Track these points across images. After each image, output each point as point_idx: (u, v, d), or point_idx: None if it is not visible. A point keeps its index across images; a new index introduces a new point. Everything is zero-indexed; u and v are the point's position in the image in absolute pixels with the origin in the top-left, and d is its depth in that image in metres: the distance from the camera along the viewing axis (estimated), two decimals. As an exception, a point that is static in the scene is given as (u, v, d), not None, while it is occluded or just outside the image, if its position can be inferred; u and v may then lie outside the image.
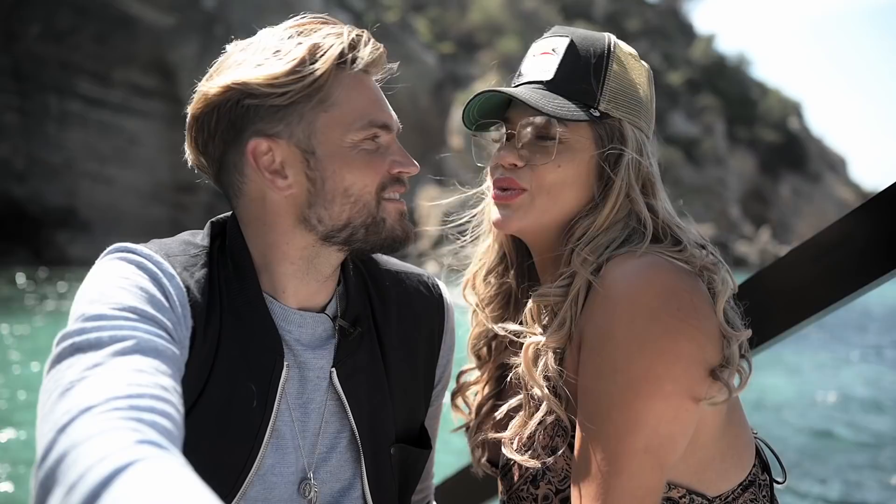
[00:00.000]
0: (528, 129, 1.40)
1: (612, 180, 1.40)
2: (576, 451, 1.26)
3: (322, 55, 1.27)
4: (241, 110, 1.28)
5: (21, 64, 36.93)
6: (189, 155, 1.37)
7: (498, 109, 1.46)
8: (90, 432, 0.84)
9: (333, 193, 1.30)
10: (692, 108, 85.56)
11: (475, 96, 1.42)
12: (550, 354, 1.33)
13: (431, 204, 1.76)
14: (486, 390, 1.59)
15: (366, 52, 1.33)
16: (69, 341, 1.03)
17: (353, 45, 1.31)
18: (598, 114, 1.38)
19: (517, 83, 1.44)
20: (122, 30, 39.28)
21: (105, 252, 1.27)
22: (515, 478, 1.40)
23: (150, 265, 1.23)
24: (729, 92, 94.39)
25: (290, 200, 1.32)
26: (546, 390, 1.31)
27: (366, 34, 1.35)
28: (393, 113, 1.39)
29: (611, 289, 1.25)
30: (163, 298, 1.19)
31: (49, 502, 0.79)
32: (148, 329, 1.09)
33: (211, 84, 1.29)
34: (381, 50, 1.36)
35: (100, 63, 39.00)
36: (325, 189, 1.30)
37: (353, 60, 1.31)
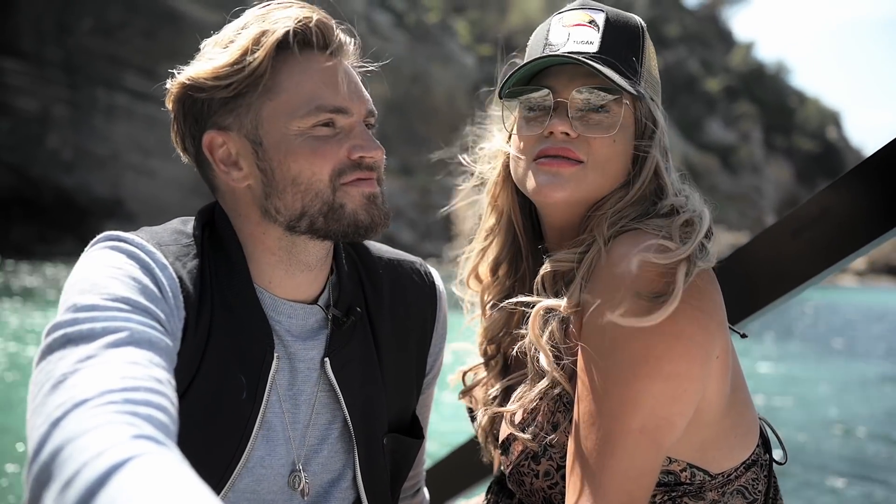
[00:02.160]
0: (582, 100, 1.36)
1: (646, 158, 1.39)
2: (572, 428, 1.25)
3: (263, 42, 1.24)
4: (198, 105, 1.28)
5: (72, 57, 37.77)
6: (180, 152, 1.37)
7: (527, 79, 1.41)
8: (86, 426, 0.82)
9: (283, 183, 1.28)
10: (729, 116, 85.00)
11: (537, 59, 1.36)
12: (556, 323, 1.30)
13: (463, 203, 1.67)
14: (495, 385, 1.52)
15: (317, 35, 1.29)
16: (60, 332, 1.00)
17: (303, 29, 1.27)
18: (642, 91, 1.37)
19: (551, 53, 1.37)
20: (170, 25, 40.03)
21: (94, 240, 1.24)
22: (516, 454, 1.37)
23: (141, 255, 1.20)
24: (767, 100, 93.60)
25: (250, 192, 1.30)
26: (551, 358, 1.29)
27: (318, 14, 1.30)
28: (359, 95, 1.33)
29: (615, 265, 1.23)
30: (155, 289, 1.16)
31: (45, 497, 0.78)
32: (141, 320, 1.06)
33: (173, 81, 1.29)
34: (334, 31, 1.31)
35: (147, 57, 39.75)
36: (276, 179, 1.28)
37: (301, 44, 1.28)
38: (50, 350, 0.98)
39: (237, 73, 1.24)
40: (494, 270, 1.57)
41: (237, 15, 1.34)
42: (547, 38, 1.41)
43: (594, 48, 1.35)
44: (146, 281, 1.16)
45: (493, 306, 1.54)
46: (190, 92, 1.27)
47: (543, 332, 1.30)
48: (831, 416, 11.19)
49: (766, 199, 78.76)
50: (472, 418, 1.61)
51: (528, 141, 1.41)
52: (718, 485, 1.28)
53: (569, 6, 1.44)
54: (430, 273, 1.60)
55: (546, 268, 1.38)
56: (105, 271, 1.14)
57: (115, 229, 1.30)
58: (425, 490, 1.73)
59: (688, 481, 1.26)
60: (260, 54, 1.23)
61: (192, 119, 1.30)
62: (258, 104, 1.26)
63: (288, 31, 1.25)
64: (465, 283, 1.60)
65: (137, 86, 39.69)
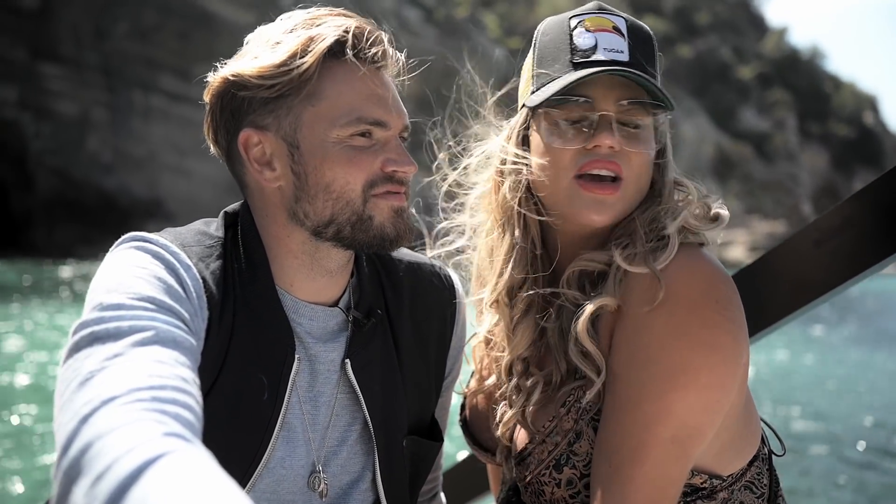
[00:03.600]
0: (626, 113, 1.34)
1: (666, 167, 1.41)
2: (599, 436, 1.25)
3: (313, 48, 1.25)
4: (238, 102, 1.28)
5: (109, 61, 38.45)
6: (209, 144, 1.38)
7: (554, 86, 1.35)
8: (115, 423, 0.83)
9: (316, 189, 1.28)
10: (763, 103, 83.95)
11: (598, 70, 1.31)
12: (588, 323, 1.29)
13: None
14: (517, 398, 1.45)
15: (365, 46, 1.29)
16: (87, 330, 1.01)
17: (353, 39, 1.28)
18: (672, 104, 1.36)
19: (583, 59, 1.34)
20: (203, 27, 40.58)
21: (119, 241, 1.25)
22: (535, 464, 1.36)
23: (166, 255, 1.21)
24: (801, 86, 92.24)
25: (280, 193, 1.31)
26: (597, 352, 1.28)
27: (370, 27, 1.32)
28: (398, 109, 1.34)
29: (663, 282, 1.23)
30: (180, 289, 1.17)
31: (74, 492, 0.78)
32: (166, 319, 1.07)
33: (215, 75, 1.30)
34: (383, 44, 1.32)
35: (182, 59, 40.33)
36: (308, 184, 1.28)
37: (351, 53, 1.28)
38: (77, 348, 0.99)
39: (283, 76, 1.25)
40: (513, 291, 1.49)
41: (269, 15, 1.36)
42: (572, 43, 1.36)
43: (625, 57, 1.33)
44: (171, 281, 1.17)
45: (518, 323, 1.46)
46: (232, 87, 1.28)
47: (589, 330, 1.29)
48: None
49: (801, 186, 77.68)
50: (470, 438, 1.59)
51: (567, 154, 1.35)
52: (728, 485, 1.30)
53: (584, 9, 1.40)
54: (449, 276, 1.60)
55: (576, 266, 1.37)
56: (131, 271, 1.15)
57: (155, 230, 1.35)
58: (442, 496, 1.72)
59: (702, 486, 1.28)
60: (309, 59, 1.24)
61: (229, 114, 1.30)
62: (299, 108, 1.27)
63: (337, 40, 1.27)
64: (490, 306, 1.51)
65: (173, 87, 40.27)
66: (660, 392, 1.18)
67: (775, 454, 1.42)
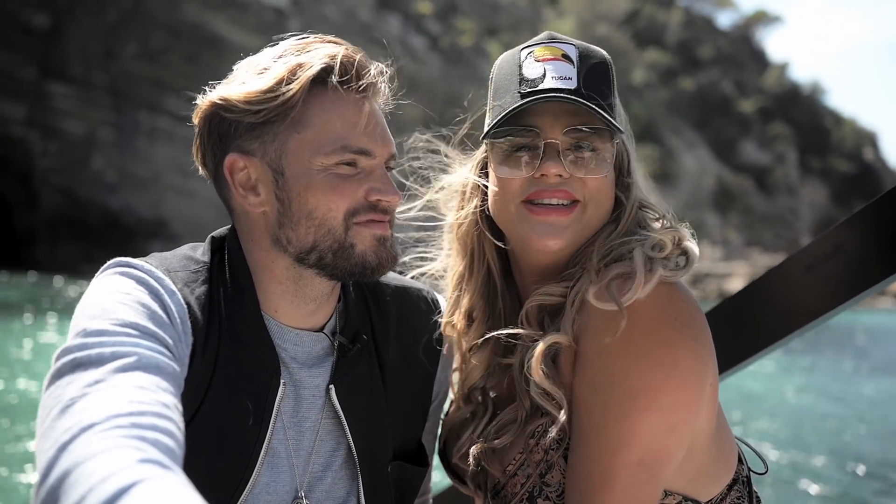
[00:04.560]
0: (572, 140, 1.34)
1: (629, 190, 1.41)
2: (569, 464, 1.24)
3: (299, 75, 1.26)
4: (225, 126, 1.29)
5: (117, 82, 38.72)
6: (198, 166, 1.39)
7: (511, 118, 1.36)
8: (92, 451, 0.83)
9: (299, 215, 1.28)
10: (764, 137, 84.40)
11: (535, 99, 1.32)
12: (547, 358, 1.29)
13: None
14: (483, 429, 1.47)
15: (352, 74, 1.29)
16: (70, 357, 1.00)
17: (340, 66, 1.28)
18: (623, 127, 1.38)
19: (531, 89, 1.34)
20: (211, 50, 40.94)
21: (105, 266, 1.25)
22: (509, 496, 1.35)
23: (151, 281, 1.21)
24: (802, 121, 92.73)
25: (265, 218, 1.31)
26: (556, 390, 1.27)
27: (360, 56, 1.32)
28: (385, 138, 1.34)
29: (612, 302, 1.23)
30: (164, 315, 1.17)
31: None
32: (149, 345, 1.07)
33: (204, 98, 1.31)
34: (370, 72, 1.32)
35: (189, 81, 40.35)
36: (292, 210, 1.29)
37: (336, 80, 1.28)
38: (59, 374, 0.99)
39: (269, 102, 1.25)
40: (470, 315, 1.53)
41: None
42: (521, 74, 1.36)
43: (573, 84, 1.33)
44: (154, 306, 1.17)
45: (470, 351, 1.50)
46: (220, 111, 1.28)
47: (544, 369, 1.28)
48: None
49: (801, 220, 77.91)
50: (451, 471, 1.58)
51: (515, 183, 1.37)
52: None
53: (535, 40, 1.41)
54: (436, 300, 1.60)
55: (533, 301, 1.37)
56: (114, 297, 1.15)
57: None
58: None
59: None
60: (294, 86, 1.25)
61: (216, 137, 1.31)
62: (285, 134, 1.28)
63: (324, 67, 1.27)
64: (442, 330, 1.55)
65: (178, 109, 40.31)
66: (622, 415, 1.17)
67: (756, 472, 1.41)
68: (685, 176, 67.83)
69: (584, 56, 1.37)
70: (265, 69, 1.28)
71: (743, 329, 1.47)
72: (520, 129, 1.35)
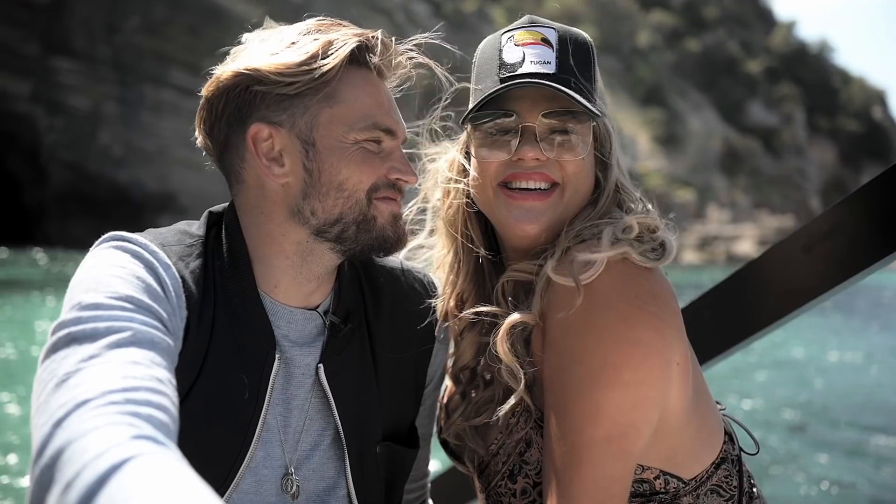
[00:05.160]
0: (549, 123, 1.36)
1: (609, 172, 1.42)
2: (543, 443, 1.25)
3: (334, 51, 1.28)
4: (249, 96, 1.29)
5: (120, 55, 38.69)
6: (197, 136, 1.37)
7: (490, 101, 1.37)
8: (86, 427, 0.83)
9: (328, 186, 1.30)
10: (771, 98, 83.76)
11: (509, 85, 1.34)
12: (518, 335, 1.31)
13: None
14: (473, 408, 1.49)
15: (379, 55, 1.33)
16: (65, 331, 1.00)
17: (368, 47, 1.32)
18: (602, 110, 1.38)
19: (510, 73, 1.36)
20: (213, 21, 40.80)
21: (99, 240, 1.25)
22: (492, 475, 1.38)
23: (145, 254, 1.21)
24: (809, 80, 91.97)
25: (285, 190, 1.31)
26: (519, 373, 1.29)
27: (382, 37, 1.35)
28: (401, 121, 1.38)
29: (570, 279, 1.23)
30: (158, 288, 1.18)
31: (47, 500, 0.79)
32: (144, 320, 1.07)
33: (225, 69, 1.30)
34: (395, 54, 1.36)
35: (191, 54, 40.54)
36: (321, 181, 1.30)
37: (366, 61, 1.32)
38: (55, 349, 0.99)
39: (304, 75, 1.26)
40: (461, 298, 1.55)
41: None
42: (501, 58, 1.38)
43: (552, 68, 1.34)
44: (149, 280, 1.17)
45: (463, 333, 1.52)
46: (246, 81, 1.28)
47: (509, 345, 1.30)
48: None
49: (809, 181, 77.55)
50: (449, 451, 1.58)
51: (492, 166, 1.39)
52: (692, 489, 1.29)
53: (516, 24, 1.42)
54: (432, 283, 1.60)
55: (504, 278, 1.39)
56: (109, 270, 1.15)
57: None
58: (430, 502, 1.73)
59: (662, 490, 1.27)
60: (331, 62, 1.26)
61: (234, 106, 1.30)
62: (316, 107, 1.28)
63: (358, 45, 1.30)
64: (444, 318, 1.56)
65: (183, 82, 40.39)
66: (585, 392, 1.17)
67: (746, 452, 1.41)
68: (692, 138, 67.47)
69: (563, 39, 1.37)
70: (294, 43, 1.29)
71: (741, 309, 1.44)
72: (498, 112, 1.37)
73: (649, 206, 1.42)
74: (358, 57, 1.31)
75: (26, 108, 35.46)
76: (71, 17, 37.17)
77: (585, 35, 1.42)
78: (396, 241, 1.36)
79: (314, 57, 1.26)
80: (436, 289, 1.58)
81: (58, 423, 0.85)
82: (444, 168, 1.53)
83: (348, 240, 1.33)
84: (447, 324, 1.56)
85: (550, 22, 1.40)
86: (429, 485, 1.71)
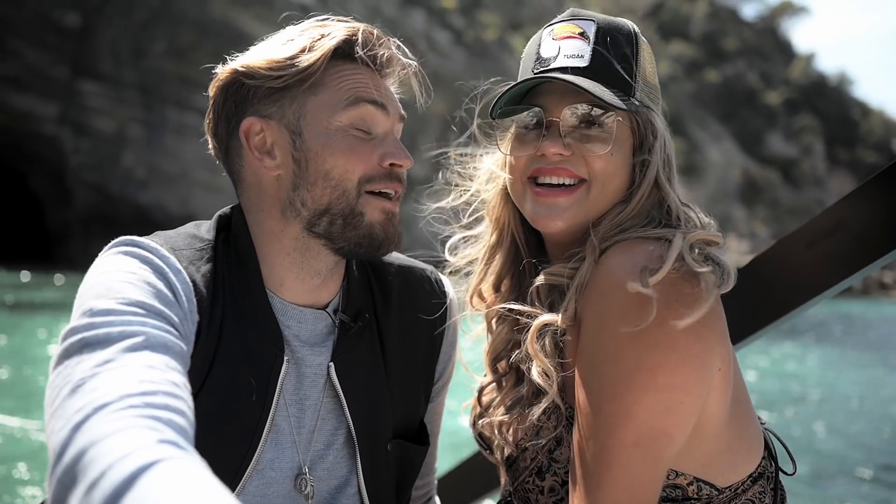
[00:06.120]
0: (574, 118, 1.34)
1: (646, 170, 1.35)
2: (573, 443, 1.22)
3: (321, 44, 1.29)
4: (243, 92, 1.31)
5: (146, 79, 39.16)
6: (208, 139, 1.40)
7: (519, 97, 1.38)
8: (108, 430, 0.82)
9: (316, 175, 1.29)
10: (790, 129, 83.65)
11: (522, 82, 1.34)
12: (550, 337, 1.28)
13: (437, 205, 1.62)
14: (507, 401, 1.46)
15: (368, 47, 1.33)
16: (77, 336, 0.99)
17: (355, 40, 1.32)
18: (637, 103, 1.34)
19: (543, 68, 1.35)
20: (238, 46, 41.10)
21: (109, 245, 1.24)
22: (521, 470, 1.36)
23: (155, 259, 1.21)
24: (829, 112, 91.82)
25: (278, 183, 1.32)
26: (552, 373, 1.27)
27: (376, 33, 1.36)
28: (394, 100, 1.37)
29: (607, 277, 1.20)
30: (169, 293, 1.17)
31: (70, 500, 0.77)
32: (156, 324, 1.06)
33: (224, 68, 1.34)
34: (388, 49, 1.36)
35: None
36: (309, 170, 1.30)
37: (353, 53, 1.32)
38: (67, 354, 0.98)
39: (290, 67, 1.28)
40: (497, 287, 1.53)
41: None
42: (538, 53, 1.37)
43: (584, 62, 1.32)
44: (160, 285, 1.16)
45: (498, 321, 1.50)
46: (241, 77, 1.30)
47: (539, 346, 1.28)
48: None
49: (829, 212, 77.15)
50: (482, 444, 1.55)
51: (521, 161, 1.39)
52: (726, 499, 1.25)
53: (559, 17, 1.41)
54: (440, 281, 1.59)
55: (540, 279, 1.36)
56: (120, 276, 1.14)
57: None
58: (437, 499, 1.72)
59: (695, 496, 1.24)
60: (316, 54, 1.28)
61: (232, 104, 1.33)
62: (303, 98, 1.30)
63: (345, 38, 1.32)
64: (469, 301, 1.56)
65: (206, 105, 40.79)
66: (617, 394, 1.14)
67: (784, 472, 1.37)
68: (711, 169, 67.36)
69: (602, 30, 1.35)
70: (290, 40, 1.32)
71: (743, 306, 1.43)
72: (522, 108, 1.38)
73: (709, 219, 1.37)
74: (345, 49, 1.32)
75: (53, 130, 35.85)
76: (99, 42, 37.69)
77: (630, 25, 1.40)
78: (385, 240, 1.34)
79: (302, 50, 1.29)
80: (444, 286, 1.58)
81: (77, 427, 0.84)
82: (491, 162, 1.53)
83: (336, 235, 1.32)
84: (461, 315, 1.57)
85: (592, 14, 1.39)
86: (435, 481, 1.71)
